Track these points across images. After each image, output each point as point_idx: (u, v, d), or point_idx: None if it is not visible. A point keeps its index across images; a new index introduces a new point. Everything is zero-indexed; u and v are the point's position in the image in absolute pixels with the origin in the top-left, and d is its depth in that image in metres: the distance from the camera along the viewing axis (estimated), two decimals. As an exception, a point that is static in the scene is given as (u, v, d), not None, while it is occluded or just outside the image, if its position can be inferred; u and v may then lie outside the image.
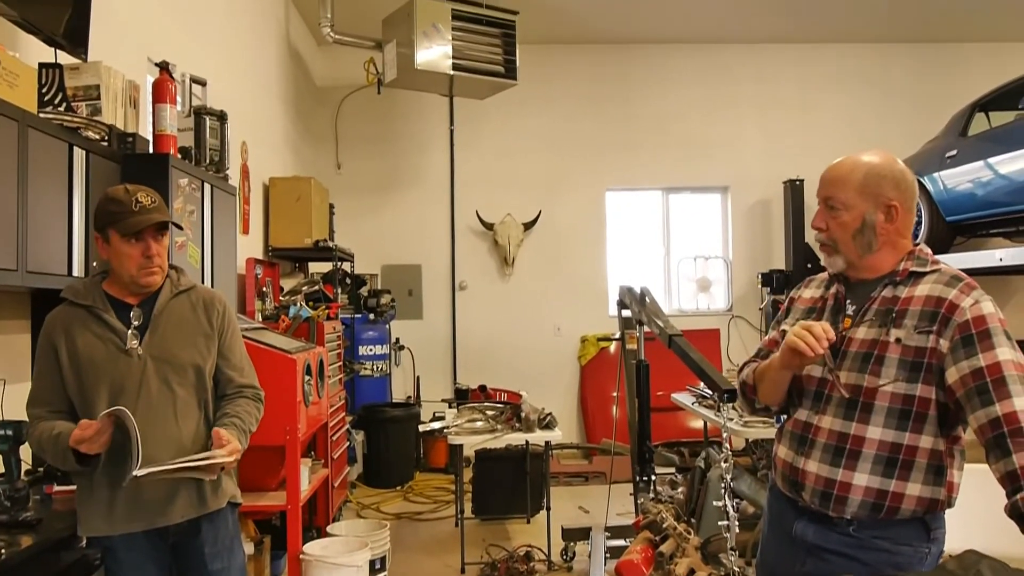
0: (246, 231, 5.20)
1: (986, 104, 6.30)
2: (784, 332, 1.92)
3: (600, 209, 7.95)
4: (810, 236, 7.65)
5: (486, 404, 4.71)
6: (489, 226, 7.66)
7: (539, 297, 7.77)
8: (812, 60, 8.05)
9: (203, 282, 3.13)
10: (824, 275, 2.01)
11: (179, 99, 3.22)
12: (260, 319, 4.90)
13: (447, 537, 5.16)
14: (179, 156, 3.10)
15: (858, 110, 7.89)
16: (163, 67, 3.03)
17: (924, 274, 1.80)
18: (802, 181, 7.61)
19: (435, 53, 6.21)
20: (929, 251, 1.85)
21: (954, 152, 6.20)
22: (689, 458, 6.27)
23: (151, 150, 2.98)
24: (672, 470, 6.22)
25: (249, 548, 3.82)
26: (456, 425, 4.43)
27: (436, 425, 4.47)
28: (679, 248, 8.18)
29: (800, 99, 8.02)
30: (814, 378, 1.85)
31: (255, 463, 3.83)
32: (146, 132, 3.09)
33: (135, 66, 3.29)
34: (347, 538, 3.95)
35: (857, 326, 1.81)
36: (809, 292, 2.02)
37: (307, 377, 3.95)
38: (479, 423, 4.47)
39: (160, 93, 3.01)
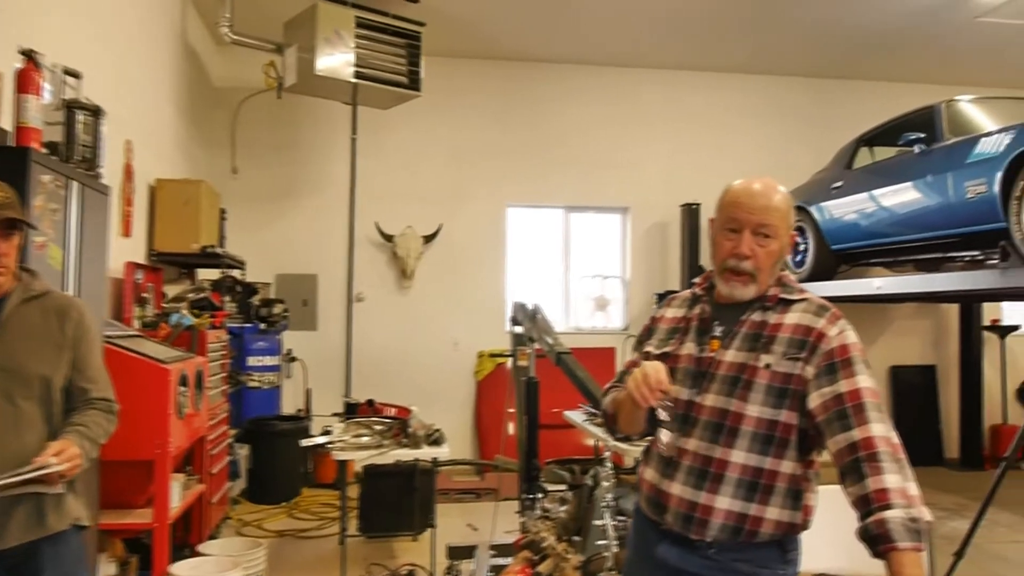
0: (128, 233, 4.96)
1: (870, 139, 6.61)
2: (647, 355, 1.93)
3: (501, 225, 7.96)
4: (705, 259, 7.90)
5: (374, 419, 4.61)
6: (389, 238, 7.56)
7: (437, 311, 7.70)
8: (716, 88, 8.28)
9: (66, 286, 2.95)
10: (687, 293, 2.02)
11: (48, 91, 3.03)
12: (138, 326, 4.67)
13: (330, 556, 5.01)
14: (44, 151, 2.91)
15: (756, 139, 8.15)
16: (28, 55, 2.85)
17: (792, 301, 1.83)
18: (699, 205, 7.80)
19: (337, 60, 6.10)
20: (794, 279, 1.89)
21: (840, 184, 6.47)
22: (580, 475, 6.30)
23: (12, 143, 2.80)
24: (563, 487, 6.24)
25: (112, 568, 3.62)
26: (341, 440, 4.31)
27: (320, 440, 4.34)
28: (578, 266, 8.26)
29: (702, 126, 8.23)
30: (681, 401, 1.84)
31: (122, 478, 3.65)
32: (9, 125, 2.90)
33: (4, 55, 3.09)
34: (219, 558, 3.78)
35: (726, 349, 1.82)
36: (672, 312, 2.01)
37: (183, 388, 3.78)
38: (365, 438, 4.36)
39: (24, 83, 2.83)
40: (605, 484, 3.10)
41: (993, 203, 4.71)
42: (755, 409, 1.74)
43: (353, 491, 5.25)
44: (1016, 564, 5.06)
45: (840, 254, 6.59)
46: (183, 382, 3.79)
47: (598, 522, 3.22)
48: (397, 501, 5.26)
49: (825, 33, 7.26)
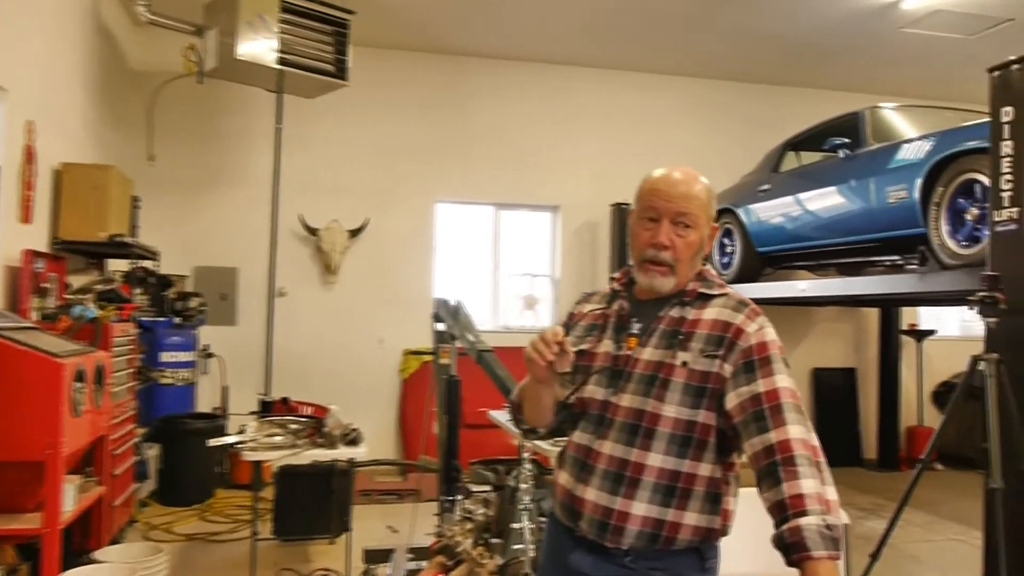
0: (28, 219, 4.66)
1: (797, 144, 6.68)
2: None
3: (430, 221, 7.82)
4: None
5: (289, 418, 4.43)
6: (313, 231, 7.34)
7: (363, 307, 7.52)
8: (648, 89, 8.30)
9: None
10: (605, 289, 1.93)
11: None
12: (37, 318, 4.39)
13: (241, 560, 4.79)
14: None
15: (687, 140, 8.17)
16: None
17: (712, 297, 1.75)
18: (629, 205, 7.77)
19: (260, 45, 5.87)
20: (714, 273, 1.82)
21: (766, 187, 6.52)
22: (504, 476, 6.21)
23: None
24: (487, 488, 6.13)
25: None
26: (252, 440, 4.12)
27: (229, 440, 4.14)
28: (508, 265, 8.17)
29: (633, 126, 8.23)
30: (596, 400, 1.75)
31: (10, 480, 3.41)
32: None
33: None
34: (113, 565, 3.55)
35: (643, 347, 1.73)
36: (590, 307, 1.93)
37: (79, 384, 3.55)
38: (279, 438, 4.18)
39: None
40: (524, 486, 3.00)
41: (913, 209, 4.78)
42: (672, 409, 1.65)
43: (269, 492, 5.06)
44: (929, 563, 5.15)
45: (765, 256, 6.65)
46: (80, 378, 3.55)
47: (516, 525, 3.13)
48: (313, 503, 5.08)
49: (754, 39, 7.34)
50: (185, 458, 6.03)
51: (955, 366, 8.69)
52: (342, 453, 4.23)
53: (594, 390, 1.76)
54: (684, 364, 1.66)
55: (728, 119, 8.41)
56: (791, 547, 1.41)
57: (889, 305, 8.08)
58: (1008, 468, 2.99)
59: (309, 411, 4.76)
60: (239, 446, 4.07)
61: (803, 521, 1.42)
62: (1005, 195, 3.41)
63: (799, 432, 1.53)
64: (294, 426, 4.39)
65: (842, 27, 6.96)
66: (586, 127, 8.15)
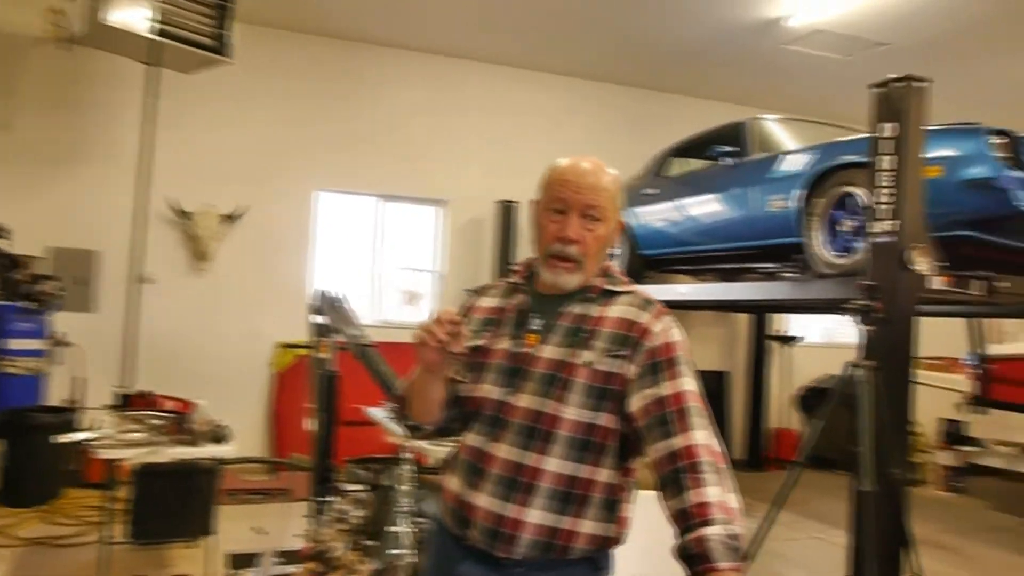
0: None
1: (682, 150, 6.80)
2: None
3: (310, 209, 7.51)
4: (519, 257, 7.85)
5: (149, 413, 4.12)
6: (186, 215, 6.92)
7: (236, 297, 7.15)
8: (538, 88, 8.26)
9: None
10: (504, 282, 1.83)
11: None
12: None
13: (90, 566, 4.43)
14: None
15: (574, 141, 8.14)
16: None
17: (617, 294, 1.67)
18: (516, 203, 7.76)
19: (132, 12, 5.46)
20: (618, 269, 1.75)
21: (651, 191, 6.60)
22: (380, 475, 6.02)
23: None
24: (362, 487, 5.94)
25: None
26: (107, 436, 3.80)
27: (79, 436, 3.81)
28: (390, 258, 7.97)
29: (522, 124, 8.17)
30: (491, 400, 1.64)
31: None
32: None
33: None
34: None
35: (544, 344, 1.63)
36: (488, 301, 1.81)
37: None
38: (136, 434, 3.88)
39: None
40: (403, 487, 2.86)
41: (792, 218, 4.92)
42: (572, 411, 1.56)
43: (125, 492, 4.71)
44: (793, 561, 5.32)
45: (648, 259, 6.73)
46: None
47: (393, 528, 2.98)
48: (173, 503, 4.73)
49: (642, 44, 7.43)
50: (31, 454, 5.56)
51: (817, 371, 9.11)
52: (207, 451, 3.97)
53: (489, 389, 1.65)
54: (587, 364, 1.57)
55: (615, 122, 8.49)
56: (695, 558, 1.35)
57: (761, 311, 8.36)
58: (878, 472, 3.08)
59: (172, 406, 4.44)
60: (91, 443, 3.74)
61: (707, 531, 1.36)
62: (883, 207, 3.53)
63: (704, 438, 1.48)
64: (155, 422, 4.10)
65: (729, 39, 7.13)
66: (475, 122, 8.05)
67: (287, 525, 4.23)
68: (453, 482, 1.68)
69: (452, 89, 7.95)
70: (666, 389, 1.52)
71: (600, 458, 1.58)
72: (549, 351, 1.62)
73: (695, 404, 1.52)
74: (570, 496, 1.56)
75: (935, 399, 7.02)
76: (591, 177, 1.65)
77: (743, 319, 8.82)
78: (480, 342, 1.71)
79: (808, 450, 3.59)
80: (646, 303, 1.64)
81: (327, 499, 3.78)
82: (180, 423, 3.97)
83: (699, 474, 1.42)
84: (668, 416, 1.49)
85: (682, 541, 1.38)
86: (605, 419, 1.57)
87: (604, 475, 1.58)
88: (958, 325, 6.82)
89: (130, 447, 3.81)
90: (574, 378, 1.57)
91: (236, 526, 5.34)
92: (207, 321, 7.04)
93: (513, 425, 1.60)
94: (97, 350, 6.66)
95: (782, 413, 8.78)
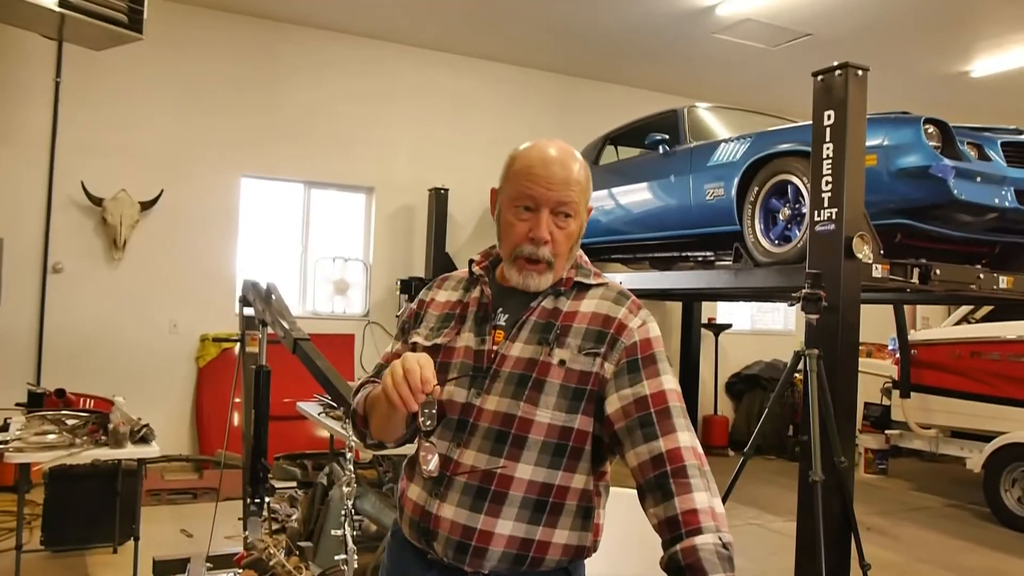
0: None
1: (616, 138, 6.77)
2: (414, 346, 1.59)
3: (233, 196, 7.20)
4: (453, 245, 7.73)
5: (65, 412, 3.86)
6: (97, 201, 6.53)
7: (154, 288, 6.80)
8: (469, 73, 8.10)
9: None
10: (462, 273, 1.68)
11: None
12: None
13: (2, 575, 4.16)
14: None
15: (506, 128, 8.05)
16: None
17: (588, 287, 1.56)
18: (447, 191, 7.61)
19: (38, -16, 5.09)
20: (587, 259, 1.64)
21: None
22: (312, 471, 5.83)
23: None
24: (293, 485, 5.74)
25: None
26: (18, 439, 3.53)
27: (-13, 439, 3.53)
28: (318, 247, 7.72)
29: (453, 110, 8.01)
30: (456, 403, 1.50)
31: None
32: None
33: None
34: None
35: (512, 341, 1.50)
36: (445, 294, 1.66)
37: None
38: (52, 436, 3.62)
39: None
40: (346, 488, 2.72)
41: (729, 207, 4.93)
42: (546, 414, 1.44)
43: (38, 495, 4.43)
44: (735, 549, 5.35)
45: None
46: None
47: (335, 532, 2.84)
48: (93, 507, 4.49)
49: (571, 32, 7.36)
50: (-69, 458, 5.17)
51: (746, 358, 9.28)
52: (130, 452, 3.73)
53: (452, 391, 1.51)
54: (561, 363, 1.45)
55: (547, 109, 8.41)
56: (686, 569, 1.26)
57: (691, 299, 8.43)
58: (824, 460, 3.09)
59: (90, 404, 4.18)
60: (1, 446, 3.47)
61: (698, 541, 1.27)
62: (825, 196, 3.54)
63: (688, 439, 1.38)
64: (71, 422, 3.84)
65: (659, 28, 7.12)
66: (404, 108, 7.84)
67: (215, 527, 4.01)
68: (414, 491, 1.54)
69: (379, 74, 7.73)
70: (647, 388, 1.42)
71: (575, 463, 1.47)
72: (518, 349, 1.49)
73: (677, 404, 1.42)
74: (544, 504, 1.45)
75: (860, 384, 7.20)
76: (562, 170, 1.51)
77: (675, 307, 8.89)
78: (440, 340, 1.57)
79: (755, 440, 3.56)
80: (621, 297, 1.53)
81: (261, 500, 3.59)
82: (100, 423, 3.72)
83: (686, 479, 1.33)
84: (649, 417, 1.39)
85: (671, 552, 1.29)
86: (580, 422, 1.46)
87: (579, 481, 1.47)
88: (881, 311, 6.99)
89: (45, 450, 3.55)
90: (548, 378, 1.45)
91: (162, 528, 5.10)
92: (124, 313, 6.68)
93: (481, 429, 1.47)
94: (4, 345, 6.27)
95: (713, 400, 8.89)
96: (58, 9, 5.13)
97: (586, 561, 1.56)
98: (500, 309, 1.56)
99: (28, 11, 5.19)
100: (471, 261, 1.67)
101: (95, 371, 6.35)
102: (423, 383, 1.36)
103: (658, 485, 1.34)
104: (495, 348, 1.51)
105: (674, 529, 1.30)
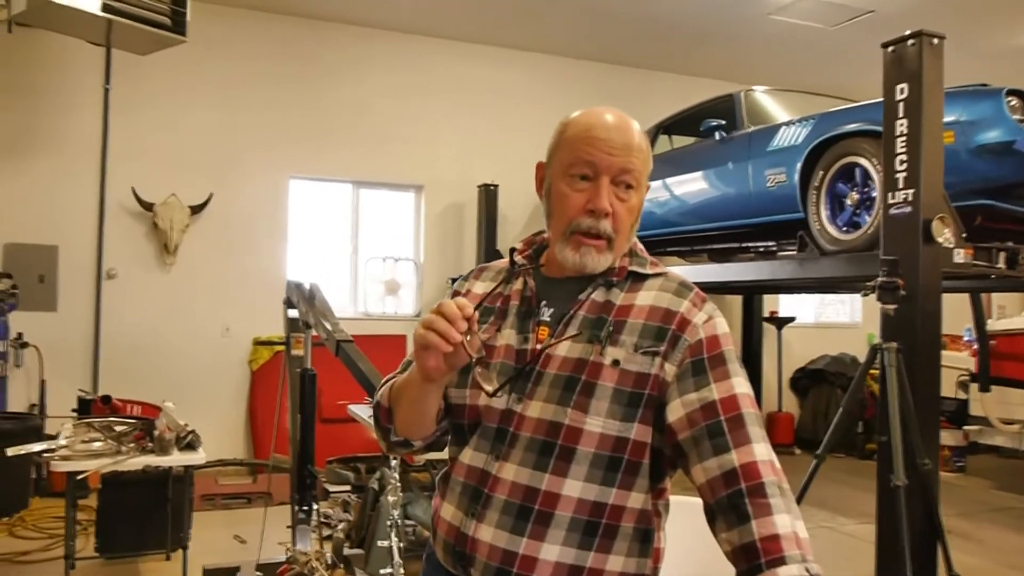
0: None
1: (669, 127, 6.54)
2: None
3: (282, 198, 7.16)
4: (504, 242, 7.56)
5: (112, 419, 3.80)
6: (148, 207, 6.54)
7: (206, 292, 6.79)
8: (511, 66, 7.92)
9: None
10: (502, 263, 1.50)
11: None
12: None
13: (55, 584, 4.13)
14: None
15: (552, 123, 7.64)
16: None
17: (645, 277, 1.37)
18: (496, 187, 7.45)
19: (80, -11, 5.08)
20: (644, 248, 1.45)
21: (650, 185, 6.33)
22: (366, 475, 5.73)
23: None
24: (347, 489, 5.65)
25: None
26: (65, 447, 3.49)
27: (34, 447, 3.49)
28: (368, 247, 7.64)
29: (499, 104, 7.84)
30: (495, 410, 1.32)
31: None
32: None
33: None
34: None
35: (558, 339, 1.31)
36: (483, 286, 1.48)
37: None
38: (98, 444, 3.56)
39: None
40: (392, 498, 2.58)
41: (792, 193, 4.67)
42: (598, 422, 1.25)
43: (94, 501, 4.40)
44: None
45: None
46: None
47: (382, 543, 2.70)
48: (144, 514, 4.43)
49: (619, 20, 7.14)
50: (-9, 464, 5.20)
51: (811, 353, 8.92)
52: (176, 459, 3.66)
53: (492, 399, 1.32)
54: (615, 363, 1.26)
55: (593, 99, 7.95)
56: (767, 606, 1.07)
57: (753, 292, 8.13)
58: (907, 463, 2.84)
59: (137, 410, 4.13)
60: (47, 454, 3.42)
61: (782, 573, 1.07)
62: (900, 176, 3.28)
63: (765, 452, 1.18)
64: (119, 428, 3.78)
65: (711, 10, 6.86)
66: (448, 104, 7.69)
67: (269, 533, 3.92)
68: (448, 510, 1.37)
69: (420, 70, 7.59)
70: (716, 393, 1.22)
71: (631, 479, 1.27)
72: (566, 348, 1.31)
73: (751, 410, 1.22)
74: (596, 527, 1.26)
75: (936, 378, 6.84)
76: (623, 134, 1.33)
77: (735, 301, 8.59)
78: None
79: (831, 441, 3.32)
80: (683, 288, 1.34)
81: (309, 507, 3.48)
82: (146, 430, 3.66)
83: (766, 499, 1.13)
84: (720, 426, 1.19)
85: None
86: (637, 431, 1.26)
87: (636, 500, 1.28)
88: (954, 300, 6.62)
89: (92, 458, 3.49)
90: (599, 381, 1.26)
91: (215, 534, 5.05)
92: (176, 318, 6.69)
93: (523, 440, 1.29)
94: (59, 351, 6.31)
95: (777, 396, 8.58)
96: (102, 14, 5.14)
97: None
98: (544, 303, 1.38)
99: (74, 18, 5.22)
100: (512, 250, 1.50)
101: (149, 376, 6.36)
102: (460, 308, 1.19)
103: (731, 506, 1.15)
104: (539, 347, 1.33)
105: (752, 559, 1.11)
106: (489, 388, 1.26)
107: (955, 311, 7.02)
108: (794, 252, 4.74)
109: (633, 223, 1.36)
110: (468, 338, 1.20)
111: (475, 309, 1.22)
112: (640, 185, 1.35)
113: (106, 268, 6.46)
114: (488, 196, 7.47)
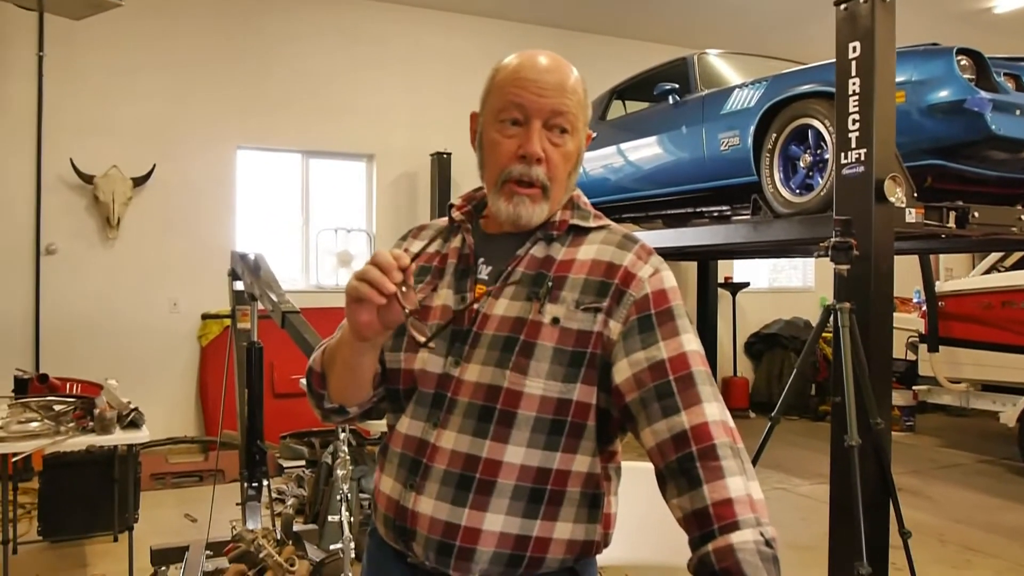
0: None
1: (623, 91, 6.46)
2: None
3: (230, 169, 6.96)
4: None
5: (50, 399, 3.66)
6: (88, 179, 6.31)
7: (153, 267, 6.59)
8: (460, 32, 7.78)
9: None
10: (441, 222, 1.41)
11: None
12: None
13: (-4, 570, 3.99)
14: None
15: (506, 88, 7.73)
16: None
17: (588, 230, 1.30)
18: (449, 155, 7.33)
19: (7, -50, 4.84)
20: (587, 201, 1.38)
21: (593, 135, 6.26)
22: (320, 450, 5.65)
23: None
24: (301, 464, 5.55)
25: None
26: (1, 428, 3.34)
27: (-37, 430, 3.34)
28: (319, 219, 7.48)
29: (451, 71, 7.69)
30: (431, 375, 1.25)
31: None
32: None
33: None
34: None
35: (496, 298, 1.24)
36: (420, 244, 1.36)
37: None
38: (35, 424, 3.42)
39: None
40: (341, 472, 2.50)
41: (746, 156, 4.64)
42: (538, 384, 1.18)
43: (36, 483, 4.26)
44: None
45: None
46: None
47: (333, 518, 2.63)
48: (90, 495, 4.33)
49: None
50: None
51: (765, 317, 9.00)
52: (119, 438, 3.53)
53: (427, 359, 1.25)
54: (555, 321, 1.19)
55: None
56: (721, 574, 1.01)
57: (708, 258, 8.15)
58: (860, 423, 2.84)
59: (78, 389, 3.98)
60: (-21, 436, 3.28)
61: (735, 539, 1.02)
62: (852, 136, 3.24)
63: (717, 412, 1.12)
64: (58, 408, 3.63)
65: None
66: (398, 72, 7.53)
67: (220, 510, 3.82)
68: (386, 483, 1.29)
69: (372, 37, 7.42)
70: (664, 351, 1.15)
71: (576, 442, 1.21)
72: (503, 306, 1.23)
73: (702, 368, 1.16)
74: (541, 494, 1.19)
75: (886, 339, 6.93)
76: (555, 75, 1.26)
77: (690, 267, 8.61)
78: None
79: (785, 404, 3.31)
80: (627, 240, 1.27)
81: (258, 484, 3.39)
82: (86, 408, 3.52)
83: (716, 461, 1.08)
84: (668, 387, 1.13)
85: (701, 552, 1.05)
86: (580, 392, 1.19)
87: (582, 463, 1.21)
88: (906, 262, 6.69)
89: (28, 438, 3.35)
90: (538, 340, 1.19)
91: (165, 513, 4.95)
92: (122, 294, 6.49)
93: (461, 405, 1.22)
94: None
95: (732, 361, 8.64)
96: (29, -25, 4.91)
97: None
98: (482, 260, 1.31)
99: (-1, -21, 4.97)
100: (450, 206, 1.42)
101: (95, 355, 6.18)
102: (396, 259, 1.11)
103: (682, 470, 1.09)
104: (476, 306, 1.25)
105: (704, 525, 1.05)
106: (422, 338, 1.18)
107: (905, 273, 7.08)
108: (748, 216, 4.72)
109: (571, 171, 1.28)
110: (403, 290, 1.12)
111: (411, 261, 1.14)
112: (576, 130, 1.27)
113: (45, 243, 6.23)
114: (441, 164, 7.36)
